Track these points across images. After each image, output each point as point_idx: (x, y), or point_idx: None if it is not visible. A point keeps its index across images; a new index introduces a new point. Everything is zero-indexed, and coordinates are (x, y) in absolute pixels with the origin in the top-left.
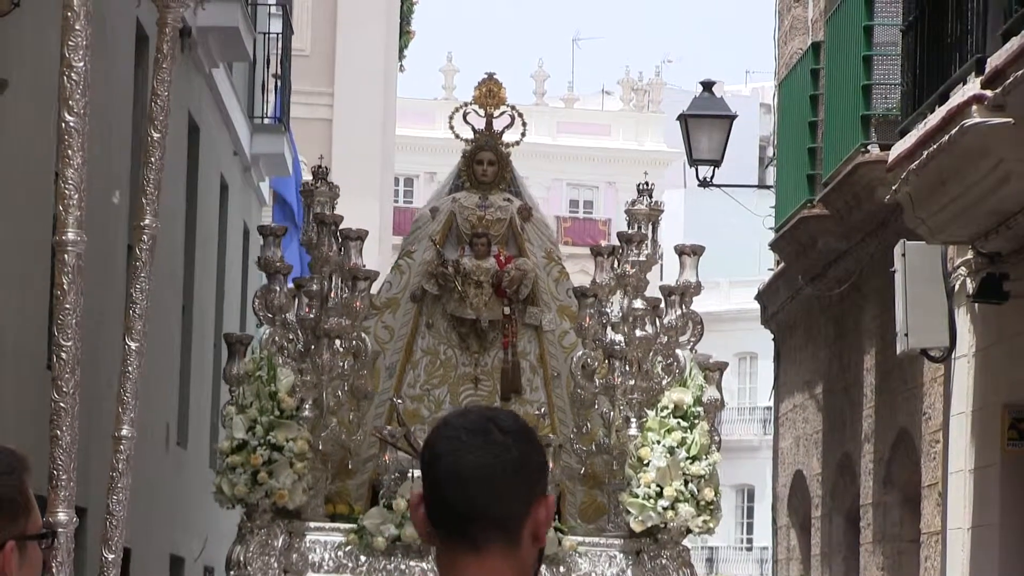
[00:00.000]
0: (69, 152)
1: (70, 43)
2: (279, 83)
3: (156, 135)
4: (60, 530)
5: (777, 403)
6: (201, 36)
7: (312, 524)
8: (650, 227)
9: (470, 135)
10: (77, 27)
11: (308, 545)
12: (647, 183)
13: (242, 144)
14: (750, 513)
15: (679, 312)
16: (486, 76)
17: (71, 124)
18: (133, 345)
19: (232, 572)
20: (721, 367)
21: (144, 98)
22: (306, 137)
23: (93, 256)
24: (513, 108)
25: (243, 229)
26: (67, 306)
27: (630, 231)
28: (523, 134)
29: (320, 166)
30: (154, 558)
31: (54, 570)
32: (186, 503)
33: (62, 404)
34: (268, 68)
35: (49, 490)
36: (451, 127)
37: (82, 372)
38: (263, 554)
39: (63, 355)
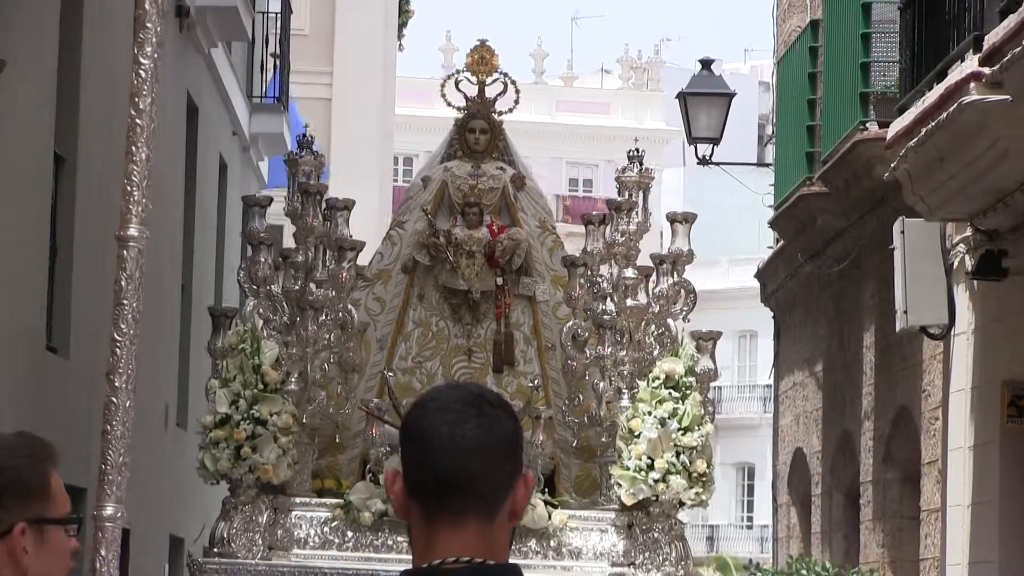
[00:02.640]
0: (133, 148)
1: (139, 38)
2: (278, 63)
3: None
4: (108, 524)
5: (777, 381)
6: (200, 15)
7: (297, 500)
8: (640, 195)
9: (462, 103)
10: (148, 24)
11: (293, 521)
12: (637, 150)
13: (241, 124)
14: (750, 491)
15: (671, 281)
16: (478, 43)
17: (137, 121)
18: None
19: (216, 549)
20: (714, 336)
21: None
22: (305, 116)
23: (94, 246)
24: (506, 75)
25: (242, 209)
26: (124, 301)
27: (620, 199)
28: (516, 101)
29: (305, 135)
30: (154, 539)
31: (97, 564)
32: (186, 484)
33: (113, 400)
34: (267, 48)
35: (98, 484)
36: (443, 95)
37: (88, 356)
38: (247, 530)
39: (118, 350)
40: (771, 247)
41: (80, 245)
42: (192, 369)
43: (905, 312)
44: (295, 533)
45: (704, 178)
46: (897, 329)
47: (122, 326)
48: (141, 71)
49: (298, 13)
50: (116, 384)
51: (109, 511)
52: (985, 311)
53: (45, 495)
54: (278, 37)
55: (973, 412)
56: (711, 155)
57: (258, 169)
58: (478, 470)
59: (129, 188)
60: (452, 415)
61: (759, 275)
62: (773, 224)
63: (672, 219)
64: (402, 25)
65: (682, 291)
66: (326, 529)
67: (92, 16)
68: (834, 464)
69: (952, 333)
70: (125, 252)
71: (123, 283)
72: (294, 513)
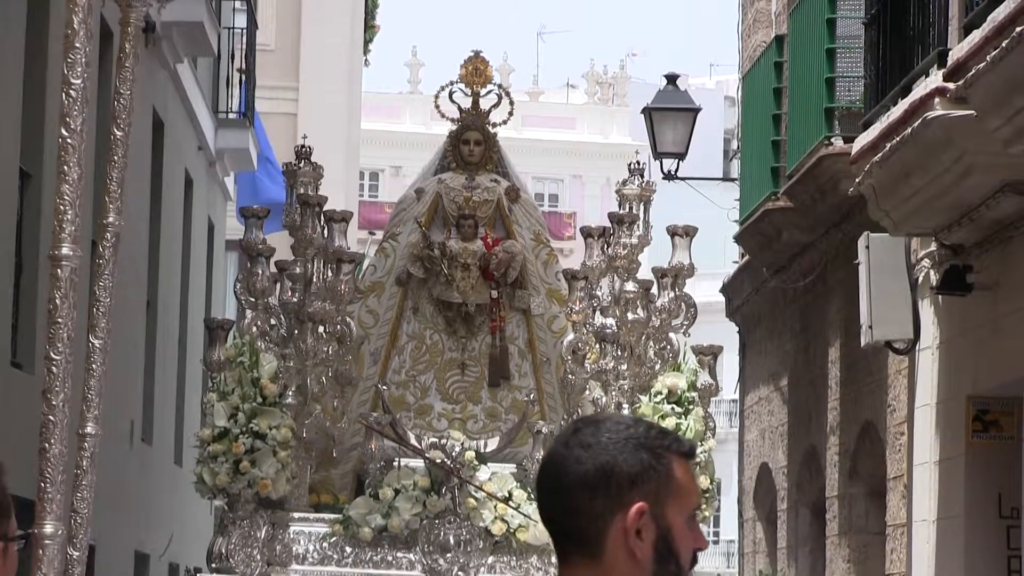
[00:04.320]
0: (65, 168)
1: (68, 59)
2: (244, 78)
3: (119, 133)
4: (47, 542)
5: (742, 396)
6: (165, 31)
7: (296, 515)
8: (642, 207)
9: (456, 114)
10: (77, 44)
11: (292, 536)
12: (638, 162)
13: (207, 139)
14: (716, 506)
15: (671, 295)
16: (472, 54)
17: (68, 140)
18: (97, 343)
19: (214, 564)
20: (715, 351)
21: (108, 96)
22: (271, 131)
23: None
24: (500, 87)
25: (208, 224)
26: (59, 320)
27: (621, 211)
28: (511, 113)
29: (303, 146)
30: (119, 555)
31: None
32: (151, 499)
33: (51, 417)
34: (233, 63)
35: (37, 502)
36: (436, 106)
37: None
38: (246, 546)
39: (54, 368)
40: (736, 262)
41: (45, 262)
42: (157, 385)
43: (870, 327)
44: (294, 548)
45: (669, 193)
46: (862, 344)
47: (58, 344)
48: (71, 91)
49: (264, 28)
50: (53, 403)
51: (49, 529)
52: (950, 326)
53: (10, 512)
54: (244, 52)
55: (938, 427)
56: (676, 170)
57: (224, 184)
58: (560, 517)
59: (62, 208)
60: (547, 457)
61: (724, 290)
62: (739, 239)
63: (672, 232)
64: (368, 40)
65: (683, 305)
66: (325, 544)
67: (57, 31)
68: (800, 479)
69: (917, 348)
70: (59, 271)
71: (58, 302)
72: (293, 528)
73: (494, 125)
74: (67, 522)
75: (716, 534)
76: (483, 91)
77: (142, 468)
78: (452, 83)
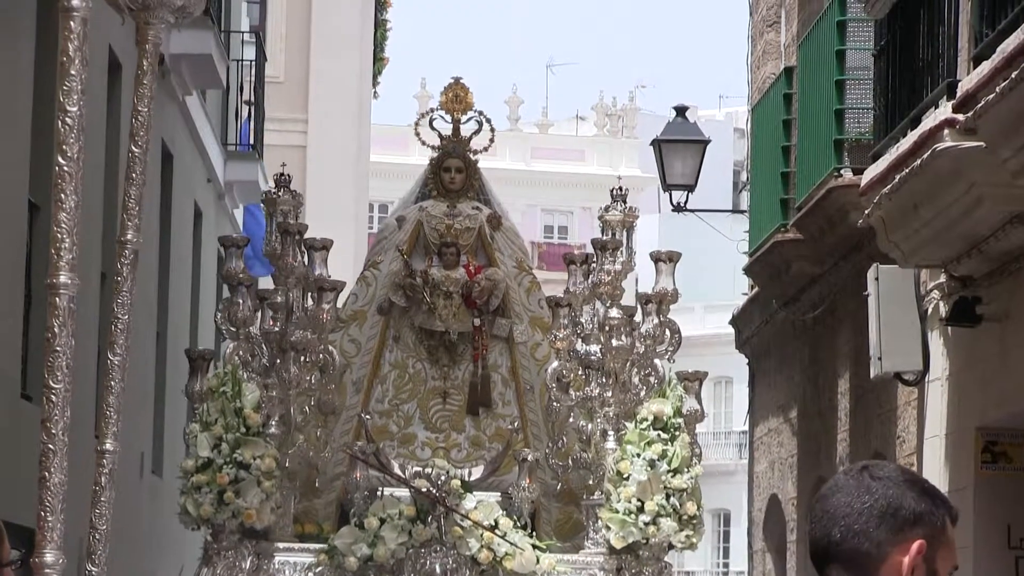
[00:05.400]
0: (62, 196)
1: (64, 87)
2: (252, 110)
3: (137, 151)
4: (48, 571)
5: (752, 427)
6: (174, 63)
7: (281, 544)
8: (625, 233)
9: (437, 141)
10: (72, 71)
11: (277, 566)
12: (621, 188)
13: (216, 171)
14: (726, 537)
15: (656, 321)
16: (452, 80)
17: (65, 168)
18: (115, 360)
19: None
20: (700, 377)
21: (117, 127)
22: (280, 163)
23: None
24: (481, 113)
25: (217, 256)
26: (57, 349)
27: (604, 238)
28: (492, 140)
29: (283, 174)
30: None
31: None
32: (161, 531)
33: (51, 447)
34: (241, 95)
35: (37, 531)
36: (416, 133)
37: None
38: None
39: (52, 397)
40: (746, 293)
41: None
42: (168, 416)
43: (879, 358)
44: None
45: (679, 225)
46: (871, 375)
47: (57, 373)
48: (68, 119)
49: (273, 61)
50: (52, 432)
51: (49, 558)
52: (959, 357)
53: (2, 538)
54: (252, 84)
55: (948, 458)
56: (686, 202)
57: (233, 217)
58: (838, 537)
59: (60, 236)
60: (832, 484)
61: (734, 321)
62: (748, 271)
63: (656, 258)
64: (377, 73)
65: (667, 331)
66: (310, 574)
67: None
68: (809, 510)
69: (926, 379)
70: (56, 300)
71: (56, 330)
72: (277, 558)
73: (475, 152)
74: (86, 539)
75: (726, 565)
76: (463, 118)
77: (152, 500)
78: (432, 111)
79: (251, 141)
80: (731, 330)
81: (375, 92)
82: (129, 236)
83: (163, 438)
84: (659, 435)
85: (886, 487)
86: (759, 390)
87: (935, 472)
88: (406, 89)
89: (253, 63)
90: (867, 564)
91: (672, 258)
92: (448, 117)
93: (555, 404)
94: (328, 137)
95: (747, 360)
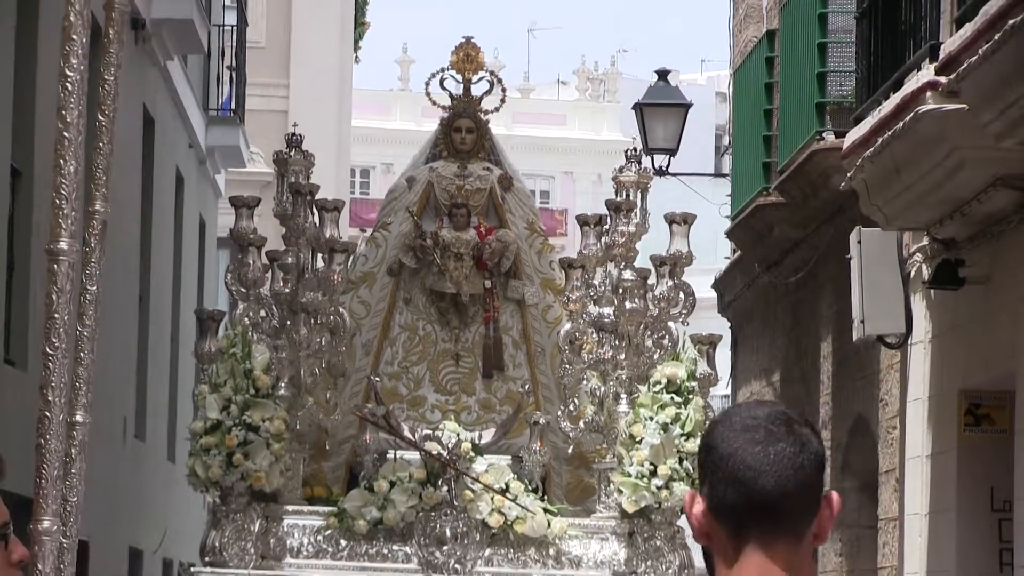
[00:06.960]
0: (61, 161)
1: (65, 51)
2: (234, 75)
3: (103, 120)
4: (45, 538)
5: (734, 391)
6: (155, 28)
7: (290, 508)
8: (639, 194)
9: (447, 101)
10: (74, 36)
11: (286, 529)
12: (635, 149)
13: (197, 136)
14: None
15: (669, 283)
16: (463, 40)
17: (64, 134)
18: (86, 332)
19: (207, 558)
20: (714, 340)
21: (97, 90)
22: (261, 129)
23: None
24: (492, 73)
25: (199, 221)
26: (55, 315)
27: (618, 199)
28: (503, 100)
29: (294, 134)
30: (113, 551)
31: None
32: (145, 496)
33: (47, 413)
34: (223, 60)
35: (35, 498)
36: (427, 93)
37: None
38: (239, 539)
39: (50, 364)
40: (728, 257)
41: (37, 259)
42: (150, 382)
43: (862, 322)
44: (288, 542)
45: (661, 189)
46: (854, 339)
47: (54, 340)
48: (68, 84)
49: (254, 26)
50: (49, 398)
51: (46, 524)
52: (942, 320)
53: None
54: (234, 49)
55: (930, 421)
56: (668, 166)
57: (215, 182)
58: (792, 491)
59: (59, 201)
60: (762, 433)
61: (716, 285)
62: (730, 234)
63: (671, 220)
64: (358, 38)
65: (681, 294)
66: (319, 538)
67: (48, 27)
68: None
69: (909, 342)
70: (56, 266)
71: (54, 296)
72: (286, 521)
73: (486, 112)
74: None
75: None
76: (475, 78)
77: (135, 464)
78: (443, 70)
79: (232, 106)
80: (713, 294)
81: (356, 57)
82: (97, 206)
83: (146, 403)
84: (672, 398)
85: (814, 436)
86: (742, 354)
87: (918, 435)
88: (388, 54)
89: (235, 28)
90: (806, 522)
91: (687, 220)
92: (459, 77)
93: (567, 367)
94: (310, 102)
95: (729, 324)
